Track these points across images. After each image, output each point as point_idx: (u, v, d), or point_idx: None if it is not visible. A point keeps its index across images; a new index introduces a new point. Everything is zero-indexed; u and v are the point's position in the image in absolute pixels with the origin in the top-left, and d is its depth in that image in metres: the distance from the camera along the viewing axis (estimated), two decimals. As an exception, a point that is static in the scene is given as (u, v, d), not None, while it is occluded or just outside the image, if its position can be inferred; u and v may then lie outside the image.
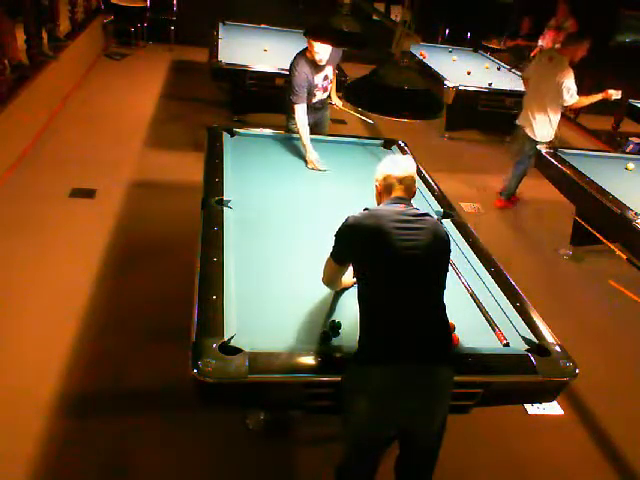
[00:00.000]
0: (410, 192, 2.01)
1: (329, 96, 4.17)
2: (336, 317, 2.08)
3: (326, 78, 3.89)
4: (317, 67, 3.73)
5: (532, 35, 7.96)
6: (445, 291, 1.83)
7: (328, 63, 3.79)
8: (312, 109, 3.87)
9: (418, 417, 1.79)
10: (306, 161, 3.47)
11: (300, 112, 3.61)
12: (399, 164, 2.01)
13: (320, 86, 3.86)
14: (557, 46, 7.39)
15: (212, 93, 6.44)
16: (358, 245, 1.85)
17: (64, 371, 2.64)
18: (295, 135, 3.68)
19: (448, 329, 1.81)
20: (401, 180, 1.98)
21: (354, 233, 1.86)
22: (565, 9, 7.30)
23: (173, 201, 4.20)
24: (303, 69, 3.65)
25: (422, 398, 1.74)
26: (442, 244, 1.86)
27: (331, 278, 2.11)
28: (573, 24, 7.31)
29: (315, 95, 3.88)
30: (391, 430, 1.86)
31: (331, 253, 1.99)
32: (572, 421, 2.83)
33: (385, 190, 2.00)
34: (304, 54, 3.71)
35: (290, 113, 3.80)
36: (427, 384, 1.73)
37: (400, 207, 1.90)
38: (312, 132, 3.72)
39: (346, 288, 2.24)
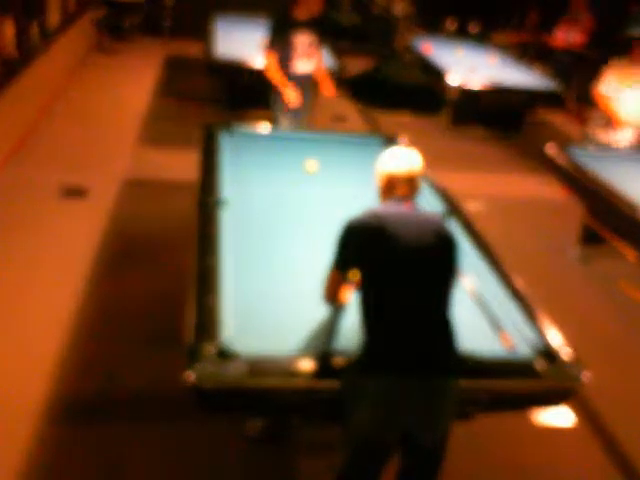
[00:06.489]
0: (414, 189, 1.89)
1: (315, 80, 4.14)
2: (336, 319, 2.04)
3: (310, 45, 3.89)
4: (300, 27, 3.77)
5: (539, 30, 7.91)
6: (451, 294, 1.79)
7: (312, 32, 3.85)
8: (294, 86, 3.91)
9: (421, 423, 1.76)
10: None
11: (270, 57, 3.81)
12: (401, 160, 1.89)
13: (301, 50, 3.86)
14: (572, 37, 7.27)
15: (208, 88, 6.36)
16: (362, 247, 1.79)
17: (55, 375, 2.61)
18: (292, 134, 3.64)
19: (452, 333, 1.77)
20: (404, 178, 1.87)
21: (358, 235, 1.80)
22: (581, 1, 7.19)
23: (167, 200, 4.15)
24: (284, 21, 3.80)
25: (425, 404, 1.71)
26: (446, 245, 1.81)
27: (334, 292, 1.91)
28: (589, 18, 7.23)
29: (296, 60, 3.85)
30: (392, 437, 1.82)
31: (333, 263, 1.85)
32: (581, 429, 2.78)
33: (387, 188, 1.90)
34: (287, 13, 3.82)
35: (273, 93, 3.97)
36: (430, 391, 1.71)
37: (403, 207, 1.83)
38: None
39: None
